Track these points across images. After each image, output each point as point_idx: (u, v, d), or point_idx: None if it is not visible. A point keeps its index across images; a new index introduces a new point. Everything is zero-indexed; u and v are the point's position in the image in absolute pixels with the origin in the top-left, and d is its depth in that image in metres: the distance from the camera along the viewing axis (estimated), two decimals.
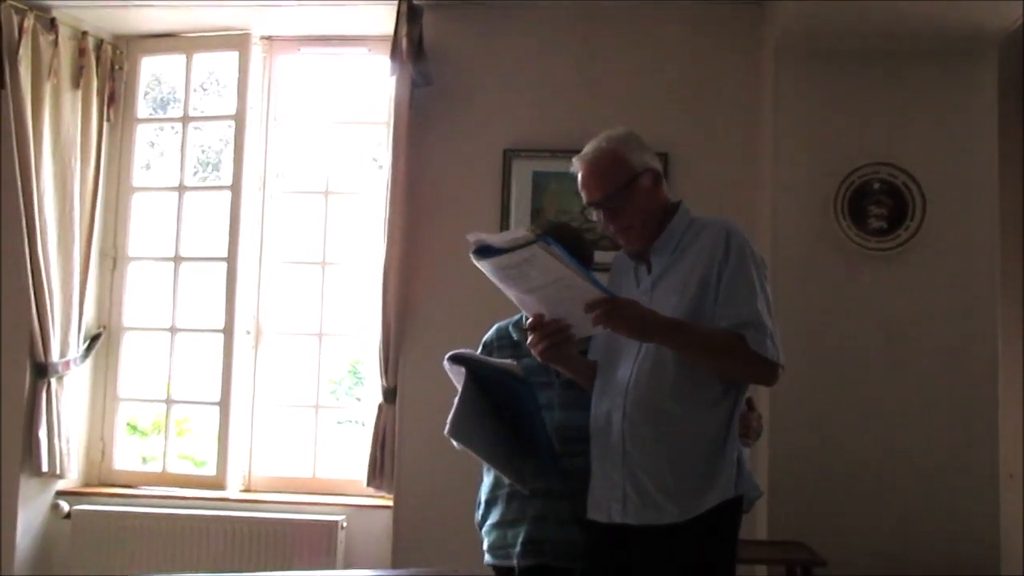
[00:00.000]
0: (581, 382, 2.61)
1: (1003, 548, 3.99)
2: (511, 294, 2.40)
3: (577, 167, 2.54)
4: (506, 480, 2.67)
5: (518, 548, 2.62)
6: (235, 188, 4.69)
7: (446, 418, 2.54)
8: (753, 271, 2.41)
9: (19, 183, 4.30)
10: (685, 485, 2.37)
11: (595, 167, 2.50)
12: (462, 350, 2.59)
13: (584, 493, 2.54)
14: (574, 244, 2.60)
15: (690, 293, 2.41)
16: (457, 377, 2.58)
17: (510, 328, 2.86)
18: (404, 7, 4.28)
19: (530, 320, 2.41)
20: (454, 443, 2.58)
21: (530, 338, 2.42)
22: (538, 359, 2.46)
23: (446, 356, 2.59)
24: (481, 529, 2.80)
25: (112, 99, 4.72)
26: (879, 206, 4.07)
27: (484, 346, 2.86)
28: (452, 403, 2.55)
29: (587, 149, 2.54)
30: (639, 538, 2.40)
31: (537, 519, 2.63)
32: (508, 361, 2.59)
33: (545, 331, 2.39)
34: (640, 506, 2.39)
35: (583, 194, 2.54)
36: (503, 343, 2.84)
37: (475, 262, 2.30)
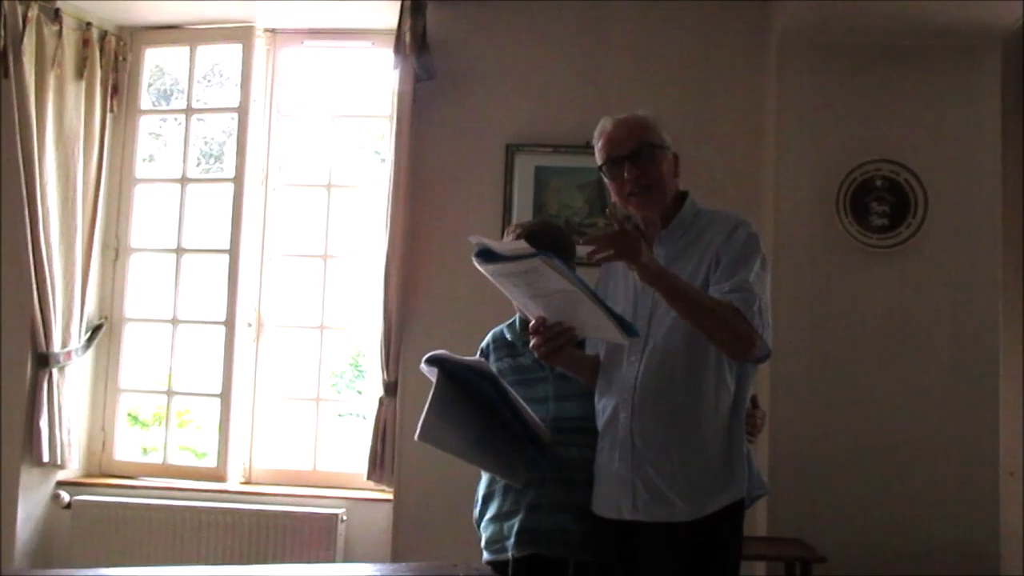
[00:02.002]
0: (582, 379, 2.61)
1: (1002, 546, 3.99)
2: (511, 297, 2.41)
3: (605, 125, 2.54)
4: None
5: (512, 539, 2.63)
6: (238, 180, 4.69)
7: None
8: (754, 256, 2.41)
9: (22, 173, 4.30)
10: (698, 483, 2.37)
11: (628, 124, 2.51)
12: (437, 351, 2.59)
13: (578, 483, 2.56)
14: (555, 240, 2.63)
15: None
16: (433, 379, 2.59)
17: (504, 330, 2.88)
18: (408, 1, 4.28)
19: (532, 323, 2.41)
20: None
21: (532, 340, 2.42)
22: (540, 359, 2.47)
23: (423, 359, 2.60)
24: (479, 526, 2.81)
25: (115, 90, 4.72)
26: (881, 203, 4.07)
27: (481, 351, 2.87)
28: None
29: (620, 115, 2.55)
30: (647, 534, 2.40)
31: (531, 508, 2.64)
32: (474, 358, 2.61)
33: (548, 334, 2.38)
34: (652, 503, 2.39)
35: (607, 149, 2.51)
36: (498, 344, 2.86)
37: (477, 265, 2.30)
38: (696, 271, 2.43)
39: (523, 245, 2.25)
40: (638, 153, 2.46)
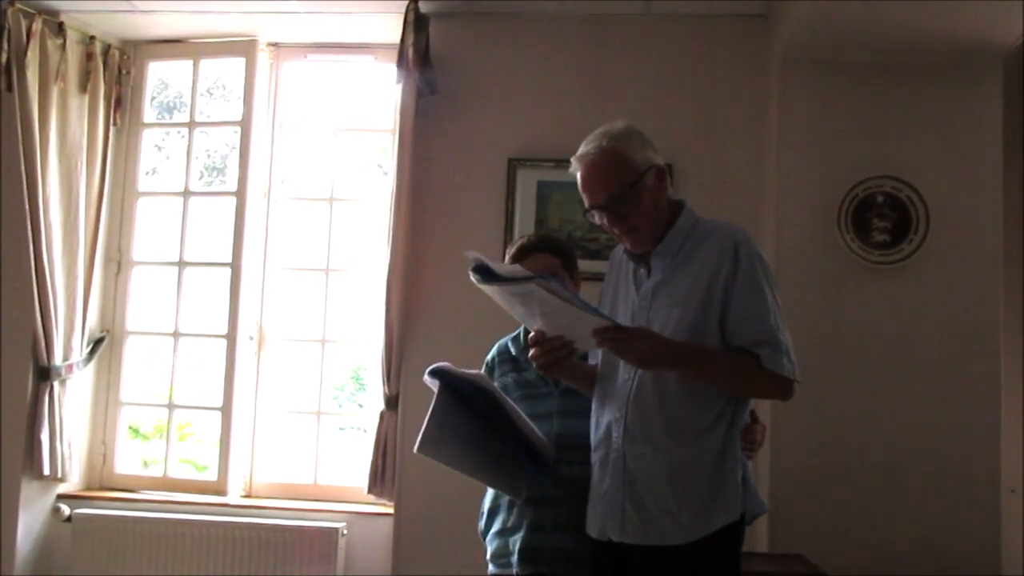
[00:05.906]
0: (583, 389, 2.59)
1: (1004, 562, 3.98)
2: (510, 311, 2.40)
3: (576, 168, 2.43)
4: None
5: (516, 556, 2.63)
6: (240, 194, 4.70)
7: None
8: (765, 285, 2.36)
9: (24, 186, 4.32)
10: (690, 504, 2.32)
11: (597, 168, 2.39)
12: (439, 363, 2.58)
13: (582, 501, 2.53)
14: (556, 252, 2.64)
15: (693, 305, 2.35)
16: (435, 391, 2.59)
17: (508, 343, 2.88)
18: (411, 16, 4.29)
19: (532, 335, 2.39)
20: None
21: (531, 352, 2.39)
22: (539, 370, 2.45)
23: (426, 371, 2.59)
24: (485, 539, 2.81)
25: (119, 103, 4.74)
26: (883, 219, 4.07)
27: (486, 365, 2.87)
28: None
29: (587, 148, 2.41)
30: (641, 556, 2.36)
31: (533, 527, 2.64)
32: (475, 372, 2.60)
33: (547, 347, 2.35)
34: (640, 525, 2.35)
35: (585, 197, 2.42)
36: (503, 358, 2.86)
37: (474, 281, 2.28)
38: (693, 287, 2.37)
39: (519, 269, 2.24)
40: (613, 202, 2.37)
